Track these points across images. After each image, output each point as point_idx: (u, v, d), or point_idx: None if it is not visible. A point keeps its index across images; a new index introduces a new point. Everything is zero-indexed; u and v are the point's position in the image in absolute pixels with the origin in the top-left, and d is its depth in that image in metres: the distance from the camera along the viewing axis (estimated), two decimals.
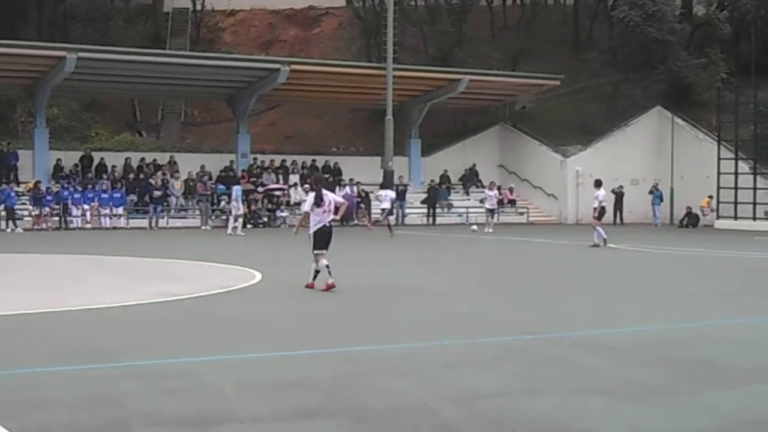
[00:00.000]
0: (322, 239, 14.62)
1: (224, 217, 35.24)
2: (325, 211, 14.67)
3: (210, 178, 38.47)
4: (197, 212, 37.01)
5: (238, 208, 32.60)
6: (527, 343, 10.15)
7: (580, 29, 52.56)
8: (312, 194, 14.95)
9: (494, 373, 8.53)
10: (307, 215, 14.98)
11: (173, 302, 13.25)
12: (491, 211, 34.24)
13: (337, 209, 14.95)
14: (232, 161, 39.90)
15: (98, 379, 8.11)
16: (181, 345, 9.93)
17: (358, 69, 41.80)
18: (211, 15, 54.07)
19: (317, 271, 14.67)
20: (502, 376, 8.36)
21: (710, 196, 39.81)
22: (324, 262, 14.54)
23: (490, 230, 32.87)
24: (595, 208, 26.64)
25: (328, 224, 14.70)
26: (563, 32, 53.06)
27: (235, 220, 32.47)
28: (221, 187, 37.03)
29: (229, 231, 31.86)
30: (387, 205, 32.29)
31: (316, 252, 14.63)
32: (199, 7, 53.05)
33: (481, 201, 38.53)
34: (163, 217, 36.40)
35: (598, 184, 27.16)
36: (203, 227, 35.77)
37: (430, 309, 12.99)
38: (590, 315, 12.69)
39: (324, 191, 14.90)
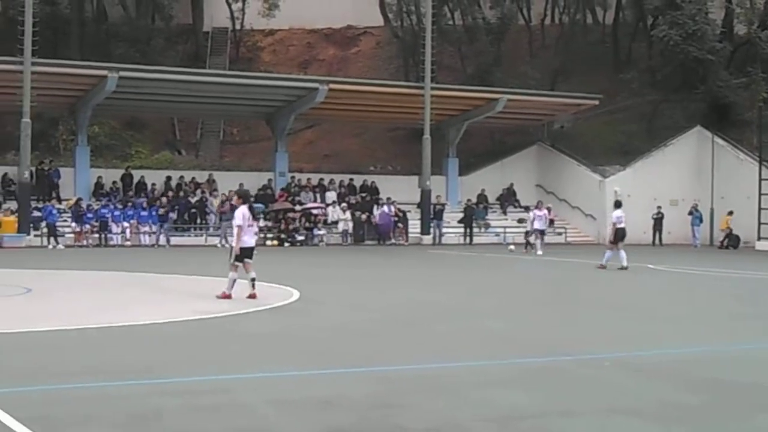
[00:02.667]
0: (249, 252, 15.36)
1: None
2: (249, 225, 15.38)
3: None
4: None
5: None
6: (565, 363, 10.03)
7: (619, 48, 52.25)
8: (244, 208, 15.38)
9: (531, 393, 8.43)
10: (241, 229, 15.28)
11: (210, 320, 13.26)
12: (541, 232, 32.79)
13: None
14: (270, 180, 40.09)
15: (134, 395, 8.12)
16: (217, 362, 9.93)
17: (396, 88, 41.89)
18: (250, 34, 54.51)
19: (235, 281, 15.26)
20: (540, 397, 8.27)
21: (730, 212, 39.33)
22: (252, 274, 15.21)
23: (540, 252, 31.23)
24: (613, 230, 24.94)
25: (253, 243, 15.53)
26: (602, 51, 52.77)
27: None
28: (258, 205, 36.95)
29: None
30: (539, 226, 32.60)
31: (247, 261, 15.23)
32: (238, 27, 53.52)
33: (519, 221, 38.29)
34: (200, 235, 36.70)
35: (617, 205, 25.56)
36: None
37: (466, 328, 12.91)
38: (629, 336, 12.52)
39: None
